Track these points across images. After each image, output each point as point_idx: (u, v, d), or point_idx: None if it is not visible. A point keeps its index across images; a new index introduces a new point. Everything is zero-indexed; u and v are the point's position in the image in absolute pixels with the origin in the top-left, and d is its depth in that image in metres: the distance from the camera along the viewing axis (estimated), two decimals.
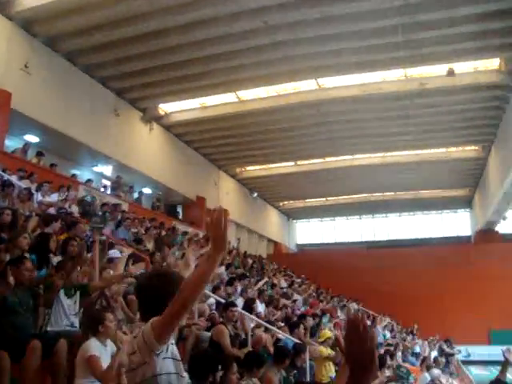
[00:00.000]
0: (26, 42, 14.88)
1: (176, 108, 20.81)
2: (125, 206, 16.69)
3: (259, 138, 22.77)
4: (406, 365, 15.18)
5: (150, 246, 12.16)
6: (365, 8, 13.93)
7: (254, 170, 27.96)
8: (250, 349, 7.58)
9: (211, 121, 20.85)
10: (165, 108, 20.74)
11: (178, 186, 22.19)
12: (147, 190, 22.08)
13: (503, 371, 5.95)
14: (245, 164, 27.23)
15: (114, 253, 7.98)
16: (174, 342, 2.72)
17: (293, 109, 19.84)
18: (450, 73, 16.77)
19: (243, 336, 8.32)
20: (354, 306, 21.99)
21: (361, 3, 13.69)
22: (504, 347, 5.87)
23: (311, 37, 15.27)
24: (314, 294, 20.97)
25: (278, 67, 16.98)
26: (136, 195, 19.76)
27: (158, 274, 2.95)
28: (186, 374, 2.95)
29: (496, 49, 16.02)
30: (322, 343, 9.58)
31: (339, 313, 18.42)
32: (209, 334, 7.22)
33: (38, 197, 11.15)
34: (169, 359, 2.58)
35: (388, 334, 19.53)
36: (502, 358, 6.05)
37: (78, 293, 5.77)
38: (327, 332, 10.47)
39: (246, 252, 22.85)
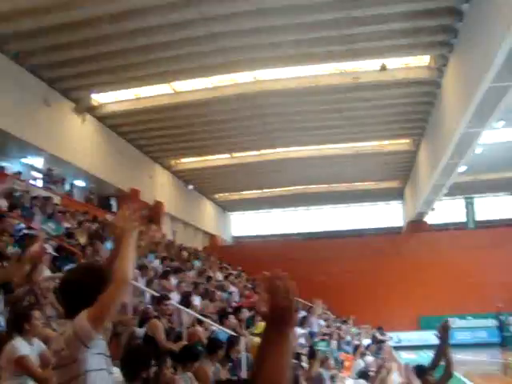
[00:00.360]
0: None
1: (110, 99, 20.30)
2: (57, 200, 16.21)
3: (194, 130, 22.58)
4: (341, 353, 15.54)
5: (82, 240, 11.86)
6: (301, 2, 14.04)
7: (189, 162, 27.72)
8: (185, 342, 7.52)
9: (146, 112, 20.46)
10: (98, 99, 20.20)
11: (112, 178, 21.71)
12: (80, 183, 21.50)
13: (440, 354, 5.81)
14: (180, 156, 26.97)
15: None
16: (103, 338, 2.67)
17: (228, 101, 19.78)
18: (383, 68, 17.21)
19: (179, 330, 8.26)
20: None
21: None
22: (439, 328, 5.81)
23: (247, 29, 15.27)
24: (249, 285, 21.07)
25: (213, 59, 16.86)
26: (68, 187, 19.23)
27: (85, 269, 2.91)
28: (115, 370, 2.90)
29: (426, 46, 16.53)
30: (257, 335, 9.62)
31: None
32: (143, 329, 7.12)
33: None
34: (100, 355, 2.54)
35: (323, 323, 19.87)
36: (429, 343, 6.03)
37: (1, 290, 5.54)
38: (263, 323, 10.52)
39: (181, 245, 22.69)
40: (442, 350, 5.31)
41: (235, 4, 13.98)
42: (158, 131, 22.60)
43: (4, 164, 16.86)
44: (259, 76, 18.76)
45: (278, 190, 33.27)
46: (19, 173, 15.89)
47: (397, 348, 24.72)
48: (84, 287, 2.61)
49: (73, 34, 15.06)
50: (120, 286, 2.55)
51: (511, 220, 33.86)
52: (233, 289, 17.02)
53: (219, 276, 18.93)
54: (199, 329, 8.43)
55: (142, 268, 10.91)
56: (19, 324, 4.69)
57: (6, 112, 15.67)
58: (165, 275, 11.78)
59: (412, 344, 25.56)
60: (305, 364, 10.15)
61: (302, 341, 14.48)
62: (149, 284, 9.95)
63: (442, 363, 5.39)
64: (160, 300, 7.93)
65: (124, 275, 2.55)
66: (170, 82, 19.01)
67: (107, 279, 2.56)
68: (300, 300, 24.24)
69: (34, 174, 19.06)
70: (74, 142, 19.32)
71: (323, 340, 14.04)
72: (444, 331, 5.30)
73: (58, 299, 6.61)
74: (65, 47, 15.82)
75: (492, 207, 34.87)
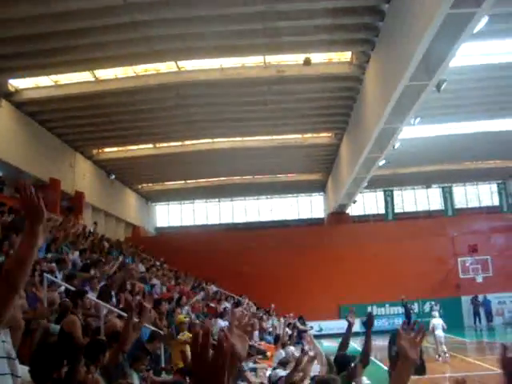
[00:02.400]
0: None
1: (28, 85, 19.45)
2: None
3: (117, 119, 22.07)
4: (263, 343, 15.75)
5: None
6: None
7: (111, 151, 27.11)
8: (103, 338, 7.38)
9: (67, 100, 19.73)
10: (16, 84, 19.30)
11: (30, 167, 20.88)
12: None
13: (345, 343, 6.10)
14: (102, 146, 26.31)
15: None
16: (7, 339, 2.54)
17: (152, 90, 19.44)
18: (307, 62, 17.44)
19: (98, 325, 8.09)
20: (212, 288, 22.27)
21: None
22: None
23: (172, 18, 15.06)
24: (172, 277, 20.96)
25: (137, 47, 16.50)
26: None
27: None
28: (22, 373, 2.77)
29: (348, 43, 16.93)
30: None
31: (198, 296, 18.59)
32: (58, 326, 6.91)
33: None
34: (2, 359, 2.42)
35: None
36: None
37: None
38: (182, 316, 10.50)
39: (103, 236, 22.19)
40: (368, 338, 5.53)
41: None
42: (79, 120, 21.87)
43: None
44: (183, 66, 18.56)
45: (201, 181, 33.17)
46: None
47: (318, 336, 25.42)
48: None
49: None
50: (8, 293, 2.33)
51: (428, 212, 35.40)
52: (155, 281, 16.88)
53: (141, 268, 18.70)
54: (118, 322, 8.26)
55: (59, 261, 10.61)
56: None
57: None
58: (84, 268, 11.51)
59: (333, 332, 26.26)
60: None
61: None
62: (68, 278, 9.67)
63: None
64: (78, 295, 7.72)
65: (16, 282, 2.33)
66: (92, 69, 18.42)
67: None
68: (225, 291, 24.43)
69: None
70: None
71: None
72: (369, 320, 5.52)
73: None
74: None
75: (410, 200, 36.32)
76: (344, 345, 5.96)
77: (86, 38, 15.78)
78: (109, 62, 17.82)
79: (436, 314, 19.26)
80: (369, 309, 21.86)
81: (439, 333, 17.56)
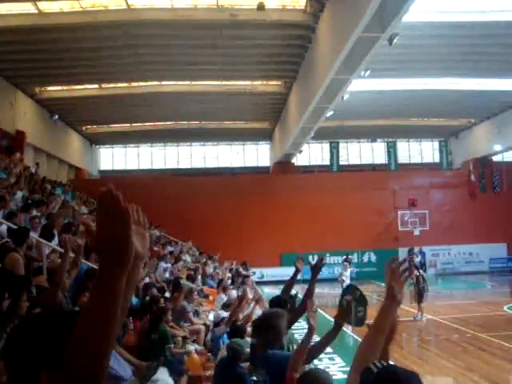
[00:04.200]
0: None
1: None
2: None
3: (62, 57, 21.06)
4: (205, 287, 15.94)
5: None
6: None
7: (54, 90, 26.11)
8: (45, 276, 7.29)
9: (6, 32, 18.68)
10: None
11: None
12: None
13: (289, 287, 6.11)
14: (45, 84, 25.26)
15: None
16: None
17: (99, 28, 18.64)
18: (260, 7, 17.12)
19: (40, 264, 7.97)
20: (155, 232, 22.25)
21: None
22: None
23: None
24: None
25: None
26: None
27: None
28: None
29: None
30: None
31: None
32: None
33: None
34: None
35: (189, 259, 20.19)
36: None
37: None
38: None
39: (45, 177, 21.65)
40: (314, 278, 5.56)
41: None
42: (20, 54, 20.71)
43: None
44: (133, 4, 17.87)
45: (147, 125, 32.60)
46: None
47: (260, 283, 25.93)
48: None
49: None
50: None
51: (372, 166, 36.09)
52: None
53: (84, 210, 18.40)
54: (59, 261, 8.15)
55: (0, 200, 10.33)
56: None
57: None
58: (26, 208, 11.24)
59: (274, 279, 26.83)
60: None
61: (167, 275, 14.69)
62: (10, 217, 9.43)
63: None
64: (20, 233, 7.55)
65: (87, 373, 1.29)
66: (34, 0, 17.53)
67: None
68: (168, 236, 24.45)
69: None
70: None
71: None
72: (318, 264, 5.55)
73: None
74: None
75: (355, 153, 36.90)
76: (287, 289, 5.97)
77: None
78: None
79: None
80: (310, 258, 22.32)
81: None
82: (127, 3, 17.75)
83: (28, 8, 17.89)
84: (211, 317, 11.50)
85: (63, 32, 18.91)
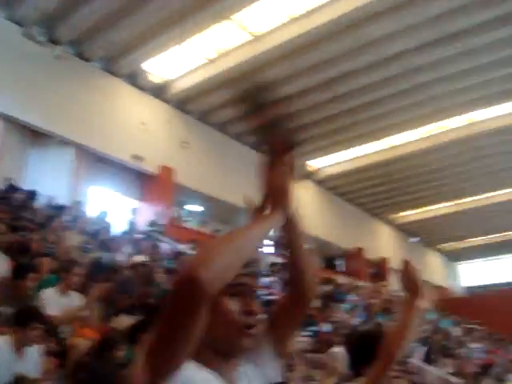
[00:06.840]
0: (182, 119, 16.45)
1: (323, 163, 21.20)
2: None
3: (411, 182, 22.31)
4: None
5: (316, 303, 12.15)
6: (500, 35, 13.43)
7: (409, 214, 27.24)
8: None
9: (360, 171, 20.95)
10: (312, 164, 21.13)
11: (336, 238, 22.29)
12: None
13: None
14: (399, 210, 26.64)
15: None
16: None
17: (444, 148, 19.28)
18: None
19: None
20: None
21: (499, 30, 13.25)
22: None
23: (453, 73, 14.99)
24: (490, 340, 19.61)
25: (422, 109, 16.80)
26: None
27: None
28: None
29: None
30: None
31: None
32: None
33: None
34: None
35: None
36: None
37: None
38: None
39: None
40: None
41: (437, 51, 13.89)
42: (375, 188, 22.74)
43: None
44: (472, 118, 18.17)
45: (508, 234, 30.87)
46: None
47: None
48: None
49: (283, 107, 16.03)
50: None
51: None
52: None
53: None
54: None
55: None
56: None
57: (236, 188, 16.53)
58: None
59: None
60: None
61: None
62: None
63: None
64: None
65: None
66: (380, 138, 19.27)
67: None
68: None
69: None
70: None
71: None
72: None
73: None
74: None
75: None
76: None
77: (371, 111, 16.76)
78: (395, 129, 18.44)
79: None
80: None
81: None
82: (467, 119, 18.11)
83: (376, 147, 19.93)
84: None
85: (409, 160, 20.22)
